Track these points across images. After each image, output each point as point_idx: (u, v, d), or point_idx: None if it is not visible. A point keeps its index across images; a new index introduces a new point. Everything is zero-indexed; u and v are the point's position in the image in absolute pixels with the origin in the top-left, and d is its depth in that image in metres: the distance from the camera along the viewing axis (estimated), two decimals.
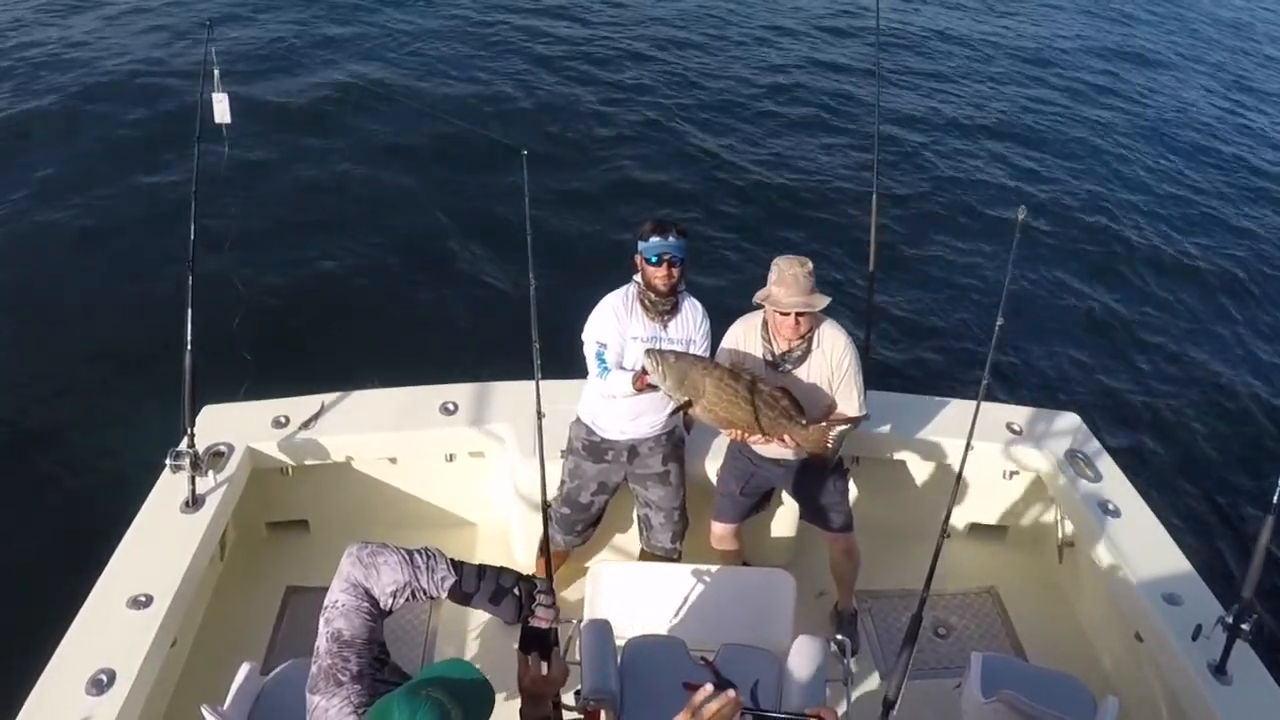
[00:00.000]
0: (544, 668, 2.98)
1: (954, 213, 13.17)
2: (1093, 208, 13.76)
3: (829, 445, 5.09)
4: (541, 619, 2.96)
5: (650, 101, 15.27)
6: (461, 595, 2.91)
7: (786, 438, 5.00)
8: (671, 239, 5.01)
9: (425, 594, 2.89)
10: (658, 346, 5.03)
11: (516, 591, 2.95)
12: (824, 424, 5.06)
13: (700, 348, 5.22)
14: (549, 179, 12.06)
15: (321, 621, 2.81)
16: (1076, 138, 15.78)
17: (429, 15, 17.57)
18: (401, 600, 2.87)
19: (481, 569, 2.96)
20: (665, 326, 5.21)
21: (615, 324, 5.18)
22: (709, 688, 2.50)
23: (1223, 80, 19.23)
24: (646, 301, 5.17)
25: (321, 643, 2.76)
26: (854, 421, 5.26)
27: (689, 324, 5.27)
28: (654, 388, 4.98)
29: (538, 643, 2.98)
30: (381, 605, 2.84)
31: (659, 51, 17.05)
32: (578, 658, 4.50)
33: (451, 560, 2.95)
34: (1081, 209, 13.69)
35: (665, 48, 17.24)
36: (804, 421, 4.95)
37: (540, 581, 3.00)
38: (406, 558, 2.88)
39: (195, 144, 5.48)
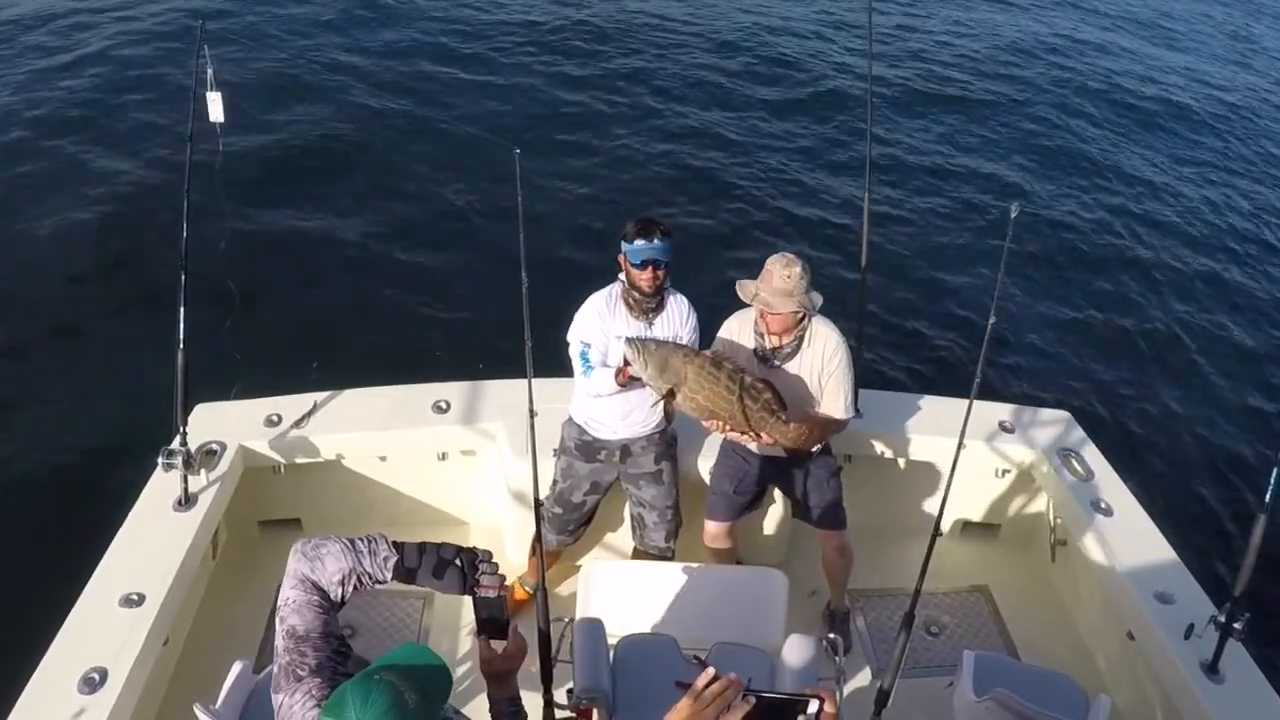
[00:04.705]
0: (500, 646, 2.98)
1: (947, 210, 13.18)
2: (1086, 205, 13.78)
3: (807, 444, 5.10)
4: (488, 587, 2.95)
5: (642, 100, 15.26)
6: (405, 573, 2.92)
7: (765, 434, 5.00)
8: (656, 241, 4.98)
9: (371, 578, 2.90)
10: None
11: (458, 562, 2.94)
12: (805, 423, 5.07)
13: (688, 344, 5.21)
14: (542, 178, 12.05)
15: (276, 621, 2.83)
16: (1071, 135, 15.78)
17: (423, 15, 17.53)
18: (350, 588, 2.88)
19: (422, 545, 2.96)
20: (650, 324, 5.21)
21: (599, 323, 5.19)
22: (711, 671, 2.52)
23: (1221, 78, 19.25)
24: (631, 300, 5.17)
25: (278, 641, 2.78)
26: (837, 424, 5.27)
27: (675, 320, 5.26)
28: (637, 380, 4.98)
29: (491, 623, 2.98)
30: (331, 596, 2.86)
31: (651, 52, 17.03)
32: (570, 656, 4.51)
33: (393, 541, 2.96)
34: (1075, 207, 13.71)
35: (657, 49, 17.21)
36: (785, 416, 4.95)
37: (482, 551, 2.99)
38: (348, 545, 2.90)
39: (188, 142, 5.48)
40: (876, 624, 6.09)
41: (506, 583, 3.02)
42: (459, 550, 2.97)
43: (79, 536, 5.31)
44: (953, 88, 16.98)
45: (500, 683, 3.03)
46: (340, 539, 2.92)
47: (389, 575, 2.91)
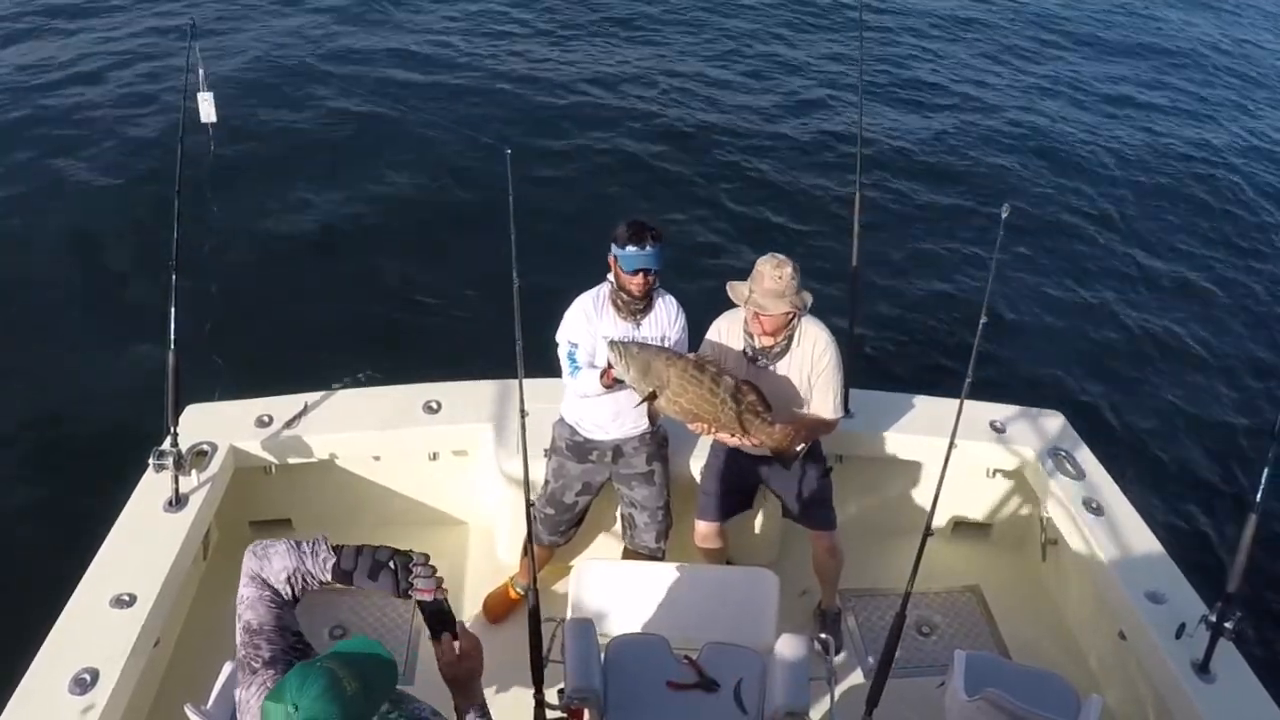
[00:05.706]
0: (455, 648, 2.97)
1: (938, 210, 13.15)
2: (1078, 205, 13.75)
3: (793, 447, 5.10)
4: (423, 591, 2.95)
5: (633, 103, 15.19)
6: (342, 574, 2.98)
7: (751, 436, 4.99)
8: (648, 248, 4.93)
9: (314, 577, 2.99)
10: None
11: (391, 565, 2.96)
12: (791, 425, 5.06)
13: (676, 345, 5.21)
14: (533, 177, 12.01)
15: (235, 618, 2.93)
16: (1063, 136, 15.76)
17: (413, 15, 17.51)
18: (298, 586, 2.98)
19: (359, 548, 3.01)
20: (638, 325, 5.19)
21: (586, 324, 5.17)
22: None
23: (1221, 82, 19.26)
24: (619, 301, 5.16)
25: (236, 637, 2.88)
26: (826, 424, 5.27)
27: (663, 321, 5.25)
28: (622, 382, 4.96)
29: (436, 622, 2.98)
30: (281, 593, 2.95)
31: (643, 50, 17.02)
32: (561, 657, 4.51)
33: (333, 544, 3.03)
34: (1067, 206, 13.67)
35: (648, 46, 17.21)
36: (770, 418, 4.94)
37: (416, 554, 3.01)
38: (293, 545, 3.00)
39: (179, 143, 5.46)
40: (868, 624, 6.09)
41: (444, 585, 3.01)
42: (394, 553, 3.00)
43: (70, 537, 5.31)
44: (945, 89, 16.94)
45: (462, 688, 2.99)
46: (288, 540, 3.02)
47: (328, 576, 2.99)
